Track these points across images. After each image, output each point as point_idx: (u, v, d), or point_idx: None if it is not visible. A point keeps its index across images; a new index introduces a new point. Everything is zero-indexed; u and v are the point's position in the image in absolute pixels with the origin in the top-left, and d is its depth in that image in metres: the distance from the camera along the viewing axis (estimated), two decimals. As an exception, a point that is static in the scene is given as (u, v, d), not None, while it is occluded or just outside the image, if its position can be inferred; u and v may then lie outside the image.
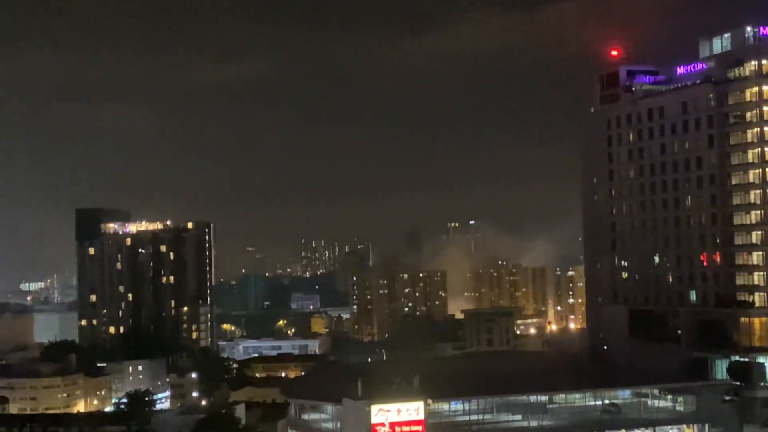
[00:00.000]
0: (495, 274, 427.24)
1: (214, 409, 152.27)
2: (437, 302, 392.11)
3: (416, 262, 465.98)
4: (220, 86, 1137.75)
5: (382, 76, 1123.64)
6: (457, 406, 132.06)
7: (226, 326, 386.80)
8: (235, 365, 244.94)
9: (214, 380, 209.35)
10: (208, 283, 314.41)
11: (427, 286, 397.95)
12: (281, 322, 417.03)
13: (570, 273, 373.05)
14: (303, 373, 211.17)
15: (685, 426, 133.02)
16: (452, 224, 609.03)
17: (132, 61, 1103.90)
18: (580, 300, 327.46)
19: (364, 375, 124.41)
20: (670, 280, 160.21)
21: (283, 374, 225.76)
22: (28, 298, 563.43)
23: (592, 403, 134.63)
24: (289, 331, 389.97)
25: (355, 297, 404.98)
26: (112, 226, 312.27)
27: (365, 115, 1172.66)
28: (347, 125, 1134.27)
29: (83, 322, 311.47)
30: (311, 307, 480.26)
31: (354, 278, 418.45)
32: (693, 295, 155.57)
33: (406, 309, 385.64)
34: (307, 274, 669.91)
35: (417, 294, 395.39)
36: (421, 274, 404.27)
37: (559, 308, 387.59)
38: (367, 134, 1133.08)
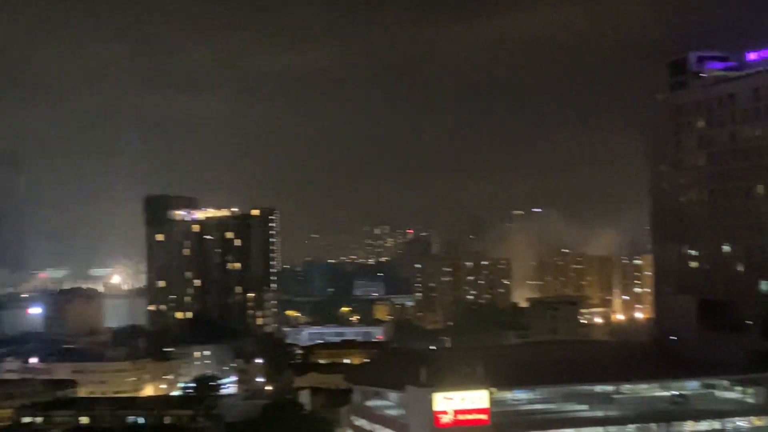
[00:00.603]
0: (560, 263, 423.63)
1: (279, 395, 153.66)
2: (501, 290, 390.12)
3: (480, 249, 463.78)
4: (290, 74, 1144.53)
5: (449, 61, 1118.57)
6: (521, 395, 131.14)
7: (290, 312, 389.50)
8: (299, 351, 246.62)
9: (279, 366, 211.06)
10: (273, 269, 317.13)
11: (491, 273, 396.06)
12: (345, 308, 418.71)
13: (637, 262, 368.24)
14: (367, 360, 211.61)
15: (754, 418, 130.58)
16: (516, 212, 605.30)
17: (202, 49, 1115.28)
18: (647, 289, 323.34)
19: (427, 362, 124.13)
20: (740, 269, 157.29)
21: (347, 361, 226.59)
22: (99, 283, 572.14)
23: (659, 393, 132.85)
24: (352, 318, 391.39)
25: (418, 284, 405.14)
26: (179, 213, 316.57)
27: (431, 100, 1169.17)
28: (413, 111, 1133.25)
29: (151, 308, 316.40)
30: (375, 294, 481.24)
31: (417, 265, 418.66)
32: (764, 285, 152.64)
33: (470, 297, 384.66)
34: (371, 261, 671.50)
35: (481, 282, 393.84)
36: (485, 262, 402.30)
37: (625, 297, 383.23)
38: (432, 119, 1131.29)
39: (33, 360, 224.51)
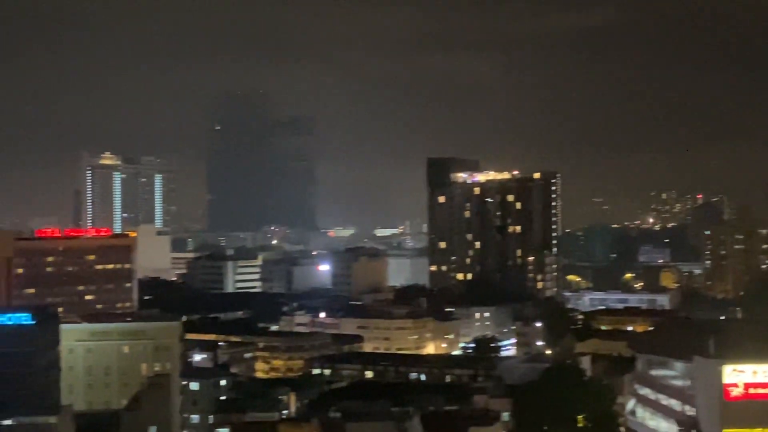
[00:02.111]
0: None
1: (559, 359, 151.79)
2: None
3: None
4: (568, 33, 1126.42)
5: (733, 19, 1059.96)
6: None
7: (571, 277, 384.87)
8: (580, 317, 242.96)
9: (559, 330, 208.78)
10: (554, 233, 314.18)
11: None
12: (628, 275, 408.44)
13: None
14: (651, 328, 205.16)
15: None
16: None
17: (482, 10, 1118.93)
18: None
19: (716, 333, 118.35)
20: None
21: (630, 328, 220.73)
22: (382, 243, 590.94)
23: None
24: (636, 285, 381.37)
25: (708, 252, 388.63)
26: (461, 176, 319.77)
27: (723, 60, 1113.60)
28: (701, 71, 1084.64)
29: (433, 268, 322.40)
30: (660, 260, 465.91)
31: (707, 232, 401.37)
32: None
33: (765, 266, 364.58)
34: (657, 227, 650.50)
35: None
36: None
37: None
38: (726, 81, 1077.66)
39: (322, 315, 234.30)
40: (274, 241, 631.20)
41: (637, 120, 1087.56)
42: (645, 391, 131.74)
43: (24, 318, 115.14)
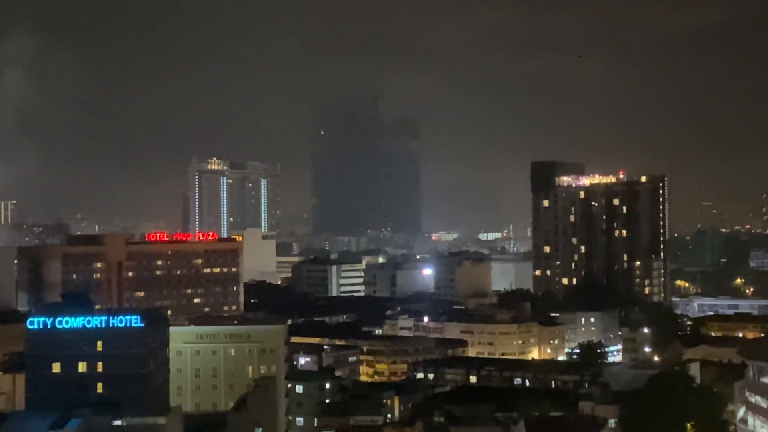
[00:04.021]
0: None
1: (667, 365, 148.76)
2: None
3: None
4: (675, 35, 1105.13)
5: None
6: None
7: (680, 282, 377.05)
8: (689, 322, 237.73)
9: (667, 336, 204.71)
10: (662, 238, 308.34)
11: None
12: (739, 280, 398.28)
13: None
14: (763, 335, 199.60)
15: None
16: None
17: (585, 12, 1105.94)
18: None
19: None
20: None
21: (740, 334, 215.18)
22: (486, 247, 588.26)
23: None
24: (747, 290, 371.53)
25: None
26: (565, 179, 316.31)
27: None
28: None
29: (537, 272, 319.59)
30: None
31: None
32: None
33: None
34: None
35: None
36: None
37: None
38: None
39: (425, 319, 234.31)
40: (379, 245, 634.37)
41: (747, 122, 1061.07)
42: (756, 399, 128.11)
43: (134, 320, 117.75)
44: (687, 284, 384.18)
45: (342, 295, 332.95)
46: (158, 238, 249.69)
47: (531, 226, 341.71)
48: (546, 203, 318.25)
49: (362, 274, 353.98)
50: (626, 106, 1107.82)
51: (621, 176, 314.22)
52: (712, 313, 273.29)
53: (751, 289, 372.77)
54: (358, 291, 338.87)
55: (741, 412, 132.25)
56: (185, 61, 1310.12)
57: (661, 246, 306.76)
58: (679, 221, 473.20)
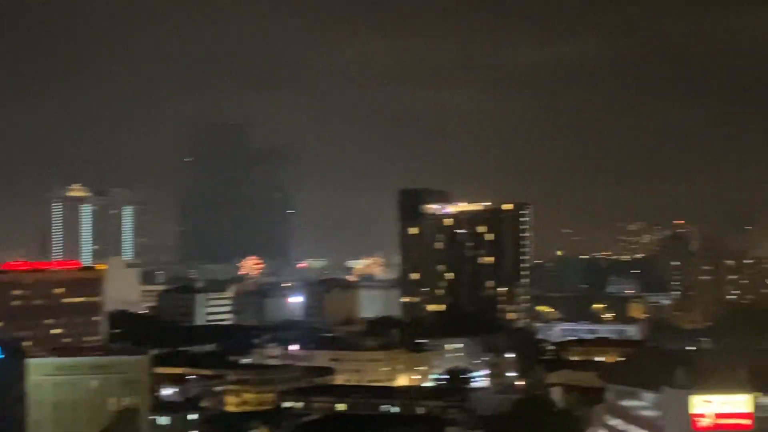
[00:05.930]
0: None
1: (531, 391, 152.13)
2: (766, 291, 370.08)
3: (743, 246, 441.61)
4: (541, 67, 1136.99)
5: (706, 53, 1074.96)
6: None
7: (542, 308, 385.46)
8: (551, 347, 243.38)
9: (530, 361, 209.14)
10: (525, 264, 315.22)
11: (755, 272, 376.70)
12: (598, 305, 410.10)
13: None
14: (621, 359, 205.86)
15: None
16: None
17: (451, 44, 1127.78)
18: None
19: (685, 363, 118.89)
20: None
21: (601, 358, 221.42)
22: (354, 274, 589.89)
23: None
24: (606, 315, 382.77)
25: (676, 282, 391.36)
26: (432, 207, 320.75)
27: (689, 92, 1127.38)
28: (671, 103, 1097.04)
29: (405, 299, 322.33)
30: (629, 291, 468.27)
31: (675, 263, 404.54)
32: None
33: (732, 296, 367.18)
34: (626, 258, 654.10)
35: (744, 281, 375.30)
36: (748, 261, 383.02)
37: None
38: (691, 112, 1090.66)
39: (293, 347, 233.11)
40: (246, 273, 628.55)
41: (607, 152, 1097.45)
42: (615, 422, 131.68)
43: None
44: (549, 309, 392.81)
45: (209, 323, 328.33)
46: (16, 267, 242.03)
47: (399, 253, 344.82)
48: (413, 231, 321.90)
49: (230, 302, 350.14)
50: (491, 136, 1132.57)
51: (486, 204, 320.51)
52: (573, 338, 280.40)
53: (610, 314, 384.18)
54: (226, 319, 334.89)
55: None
56: (46, 84, 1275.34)
57: (525, 272, 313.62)
58: (542, 248, 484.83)
